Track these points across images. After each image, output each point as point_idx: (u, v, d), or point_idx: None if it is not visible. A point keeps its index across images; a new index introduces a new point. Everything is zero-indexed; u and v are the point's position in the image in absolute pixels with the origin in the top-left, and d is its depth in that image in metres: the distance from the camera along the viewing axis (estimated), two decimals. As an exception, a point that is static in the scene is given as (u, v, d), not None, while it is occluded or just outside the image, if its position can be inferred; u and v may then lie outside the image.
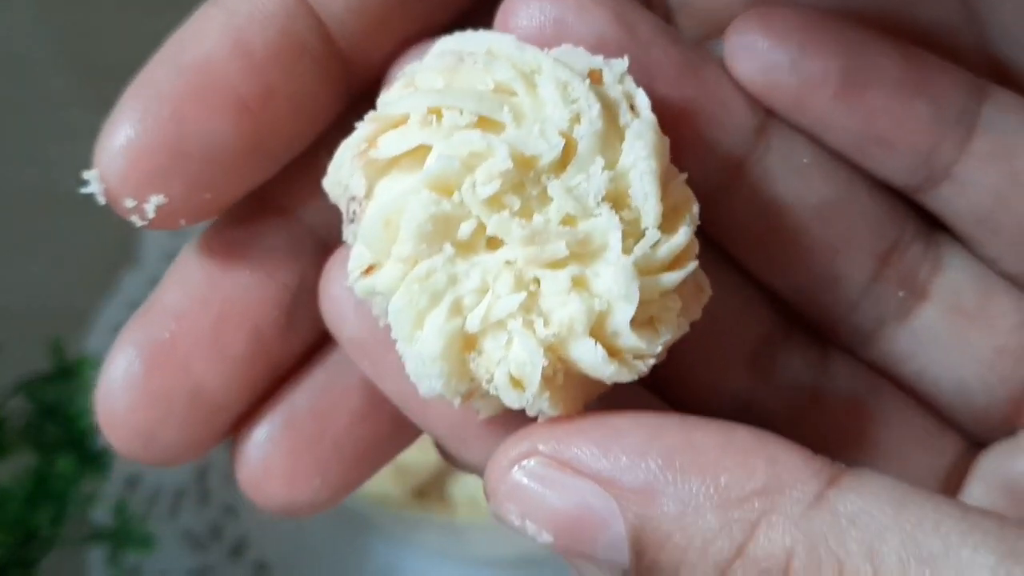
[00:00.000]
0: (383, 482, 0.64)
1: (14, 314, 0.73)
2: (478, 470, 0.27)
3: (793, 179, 0.30)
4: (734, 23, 0.29)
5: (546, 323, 0.25)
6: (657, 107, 0.26)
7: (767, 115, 0.30)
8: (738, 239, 0.31)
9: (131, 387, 0.28)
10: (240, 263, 0.29)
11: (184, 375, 0.28)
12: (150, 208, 0.27)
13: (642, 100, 0.26)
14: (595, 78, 0.27)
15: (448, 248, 0.25)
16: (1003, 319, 0.31)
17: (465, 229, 0.25)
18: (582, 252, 0.25)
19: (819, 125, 0.30)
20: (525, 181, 0.25)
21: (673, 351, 0.27)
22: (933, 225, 0.32)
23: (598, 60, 0.27)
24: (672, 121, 0.27)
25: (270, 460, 0.29)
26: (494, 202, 0.25)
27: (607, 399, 0.26)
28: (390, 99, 0.27)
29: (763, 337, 0.32)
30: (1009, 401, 0.32)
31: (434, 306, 0.25)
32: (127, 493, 0.68)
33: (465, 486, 0.66)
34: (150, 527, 0.60)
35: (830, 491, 0.23)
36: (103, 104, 0.26)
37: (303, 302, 0.29)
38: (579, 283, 0.25)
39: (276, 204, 0.30)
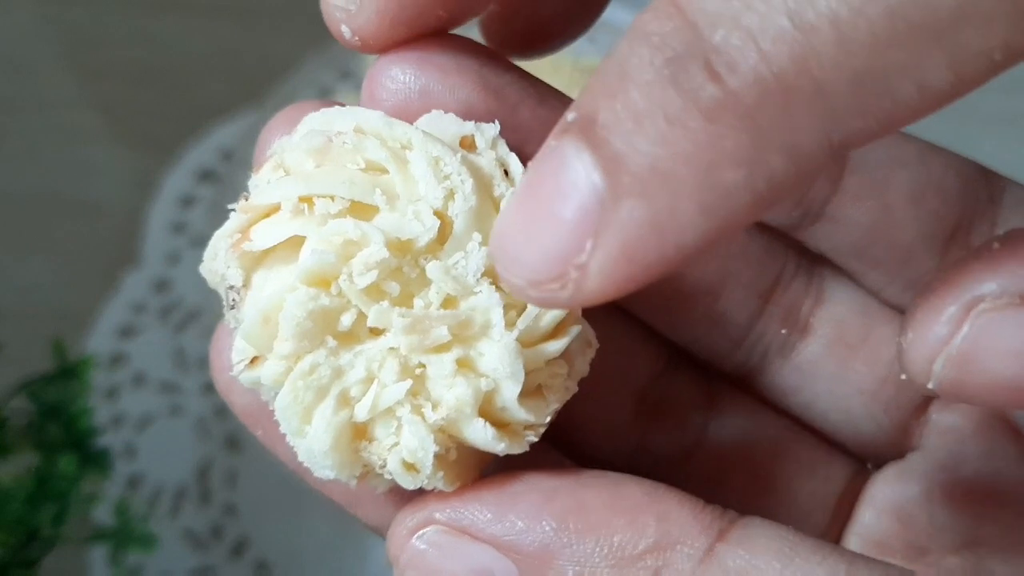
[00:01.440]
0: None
1: (16, 314, 0.73)
2: (379, 532, 0.28)
3: None
4: None
5: (435, 407, 0.24)
6: None
7: None
8: None
9: None
10: None
11: None
12: None
13: (515, 167, 0.26)
14: (467, 144, 0.26)
15: (330, 341, 0.24)
16: (885, 348, 0.31)
17: (346, 320, 0.24)
18: (465, 334, 0.25)
19: None
20: (403, 264, 0.25)
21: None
22: (815, 258, 0.32)
23: (469, 126, 0.26)
24: None
25: None
26: (373, 291, 0.24)
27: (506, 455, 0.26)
28: (260, 182, 0.26)
29: (651, 378, 0.32)
30: (895, 428, 0.32)
31: (320, 400, 0.24)
32: (128, 493, 0.69)
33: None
34: (151, 527, 0.60)
35: (719, 545, 0.23)
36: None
37: None
38: (464, 364, 0.25)
39: None
